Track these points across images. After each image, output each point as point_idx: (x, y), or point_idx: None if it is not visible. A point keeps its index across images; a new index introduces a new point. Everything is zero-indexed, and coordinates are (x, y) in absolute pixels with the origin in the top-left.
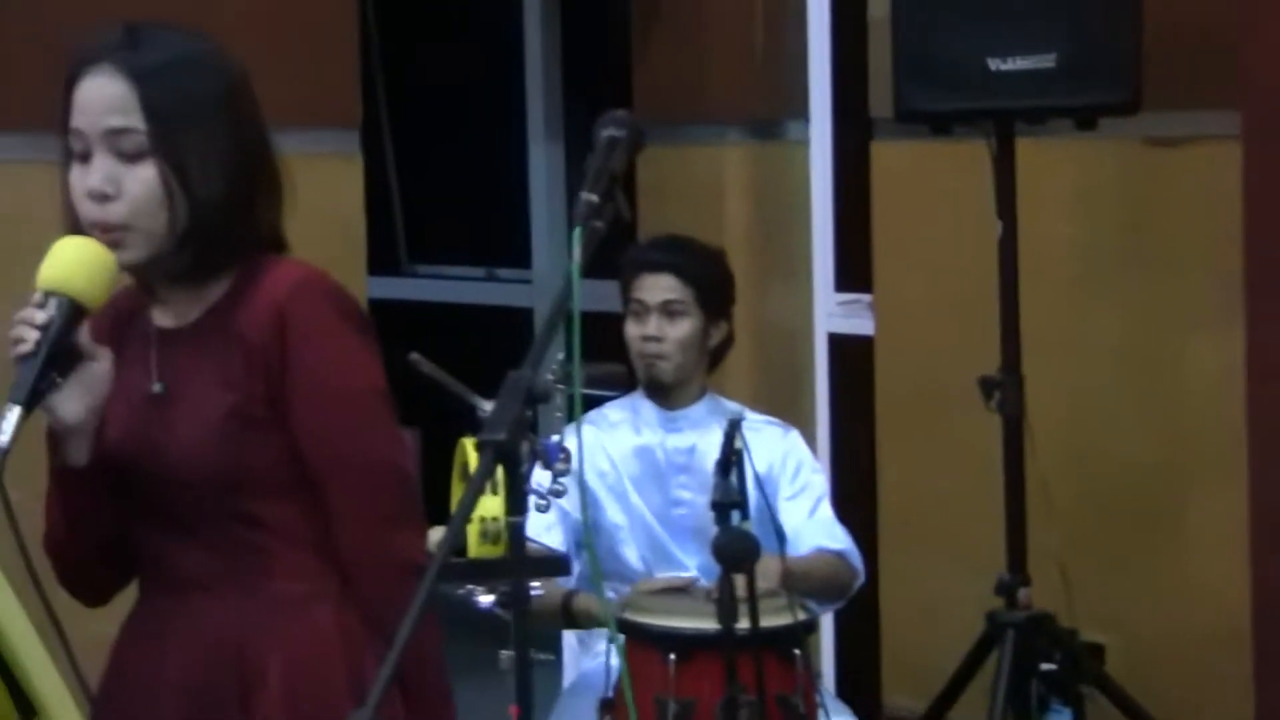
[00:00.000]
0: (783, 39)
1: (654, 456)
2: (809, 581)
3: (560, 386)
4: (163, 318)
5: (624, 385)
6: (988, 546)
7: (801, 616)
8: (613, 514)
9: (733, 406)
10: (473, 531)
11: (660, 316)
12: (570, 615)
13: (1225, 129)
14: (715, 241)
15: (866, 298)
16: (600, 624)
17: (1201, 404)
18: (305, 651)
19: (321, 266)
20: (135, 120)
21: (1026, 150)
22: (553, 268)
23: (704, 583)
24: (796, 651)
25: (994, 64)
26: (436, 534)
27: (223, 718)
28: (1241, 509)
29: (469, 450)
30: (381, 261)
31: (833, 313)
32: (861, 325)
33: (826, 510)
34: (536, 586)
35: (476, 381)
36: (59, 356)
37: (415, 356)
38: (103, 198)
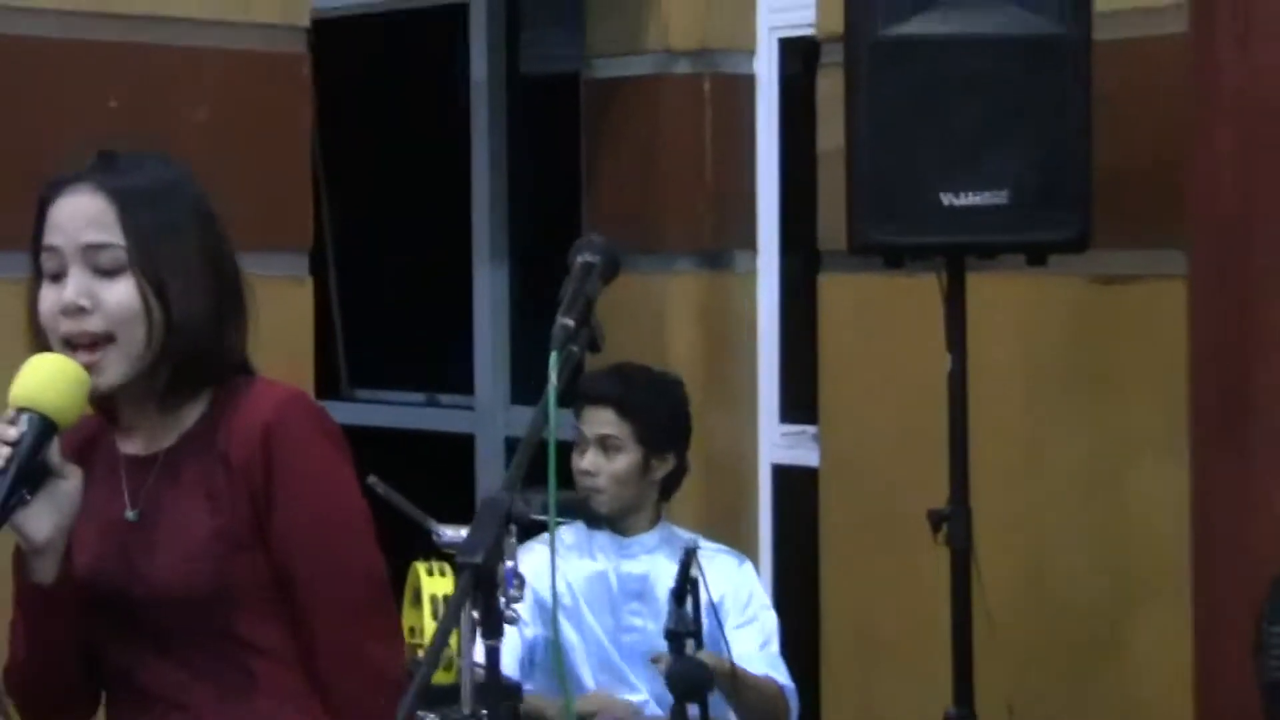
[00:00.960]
0: (732, 170)
1: (607, 581)
2: (749, 693)
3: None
4: (130, 445)
5: (580, 511)
6: (935, 679)
7: None
8: (569, 635)
9: (686, 535)
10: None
11: (597, 450)
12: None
13: (1171, 268)
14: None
15: (812, 429)
16: None
17: (1148, 534)
18: None
19: None
20: (114, 236)
21: (976, 284)
22: (495, 394)
23: (649, 712)
24: None
25: (947, 199)
26: None
27: None
28: (1188, 637)
29: (421, 574)
30: (322, 385)
31: (777, 444)
32: (806, 456)
33: (774, 648)
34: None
35: (417, 507)
36: (29, 474)
37: (373, 479)
38: (78, 311)
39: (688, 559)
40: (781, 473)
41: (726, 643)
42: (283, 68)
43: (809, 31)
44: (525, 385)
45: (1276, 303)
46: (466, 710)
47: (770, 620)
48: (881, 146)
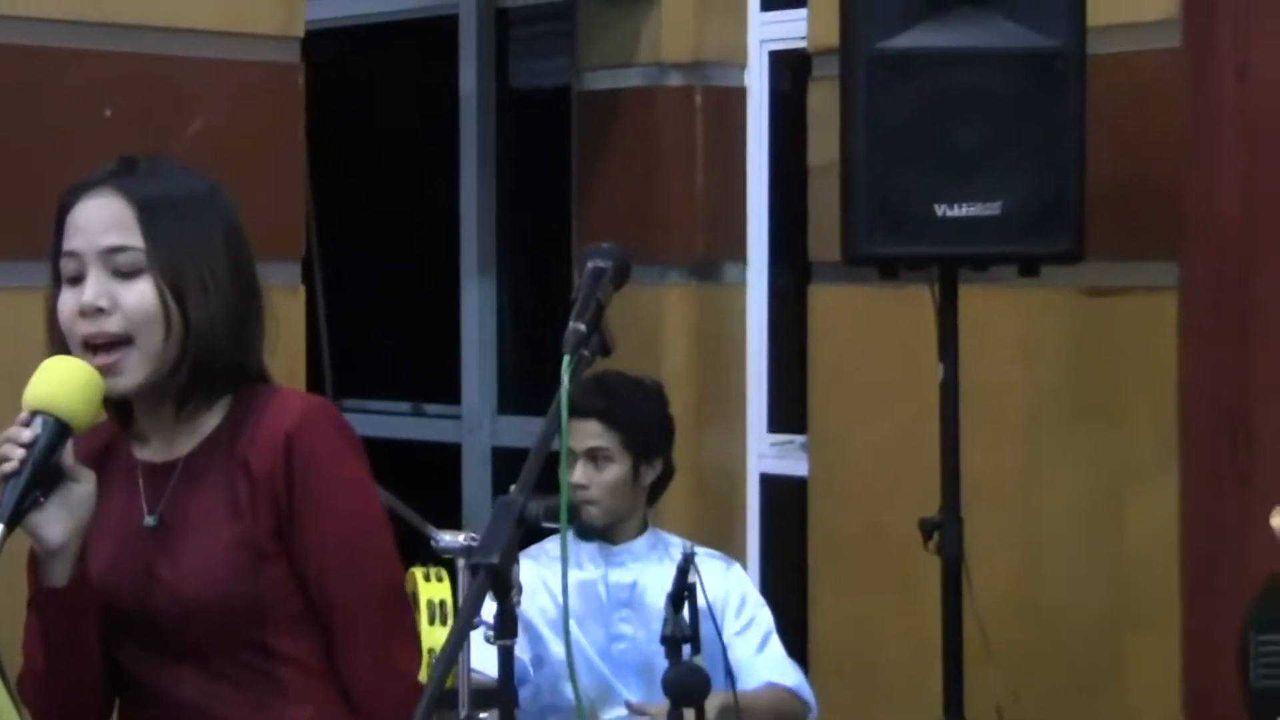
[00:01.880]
0: (722, 182)
1: (595, 591)
2: (758, 715)
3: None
4: (146, 452)
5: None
6: (924, 689)
7: None
8: (555, 649)
9: (674, 540)
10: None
11: (586, 463)
12: None
13: (1163, 280)
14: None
15: (801, 439)
16: None
17: (1138, 549)
18: None
19: None
20: (133, 238)
21: (968, 296)
22: (482, 404)
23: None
24: None
25: (941, 210)
26: None
27: None
28: (1176, 653)
29: (419, 580)
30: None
31: (765, 454)
32: (795, 466)
33: (776, 646)
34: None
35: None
36: (43, 476)
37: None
38: (97, 312)
39: (685, 564)
40: (770, 483)
41: (725, 647)
42: (277, 78)
43: (800, 45)
44: (512, 395)
45: (1275, 316)
46: (464, 713)
47: (766, 618)
48: (877, 159)
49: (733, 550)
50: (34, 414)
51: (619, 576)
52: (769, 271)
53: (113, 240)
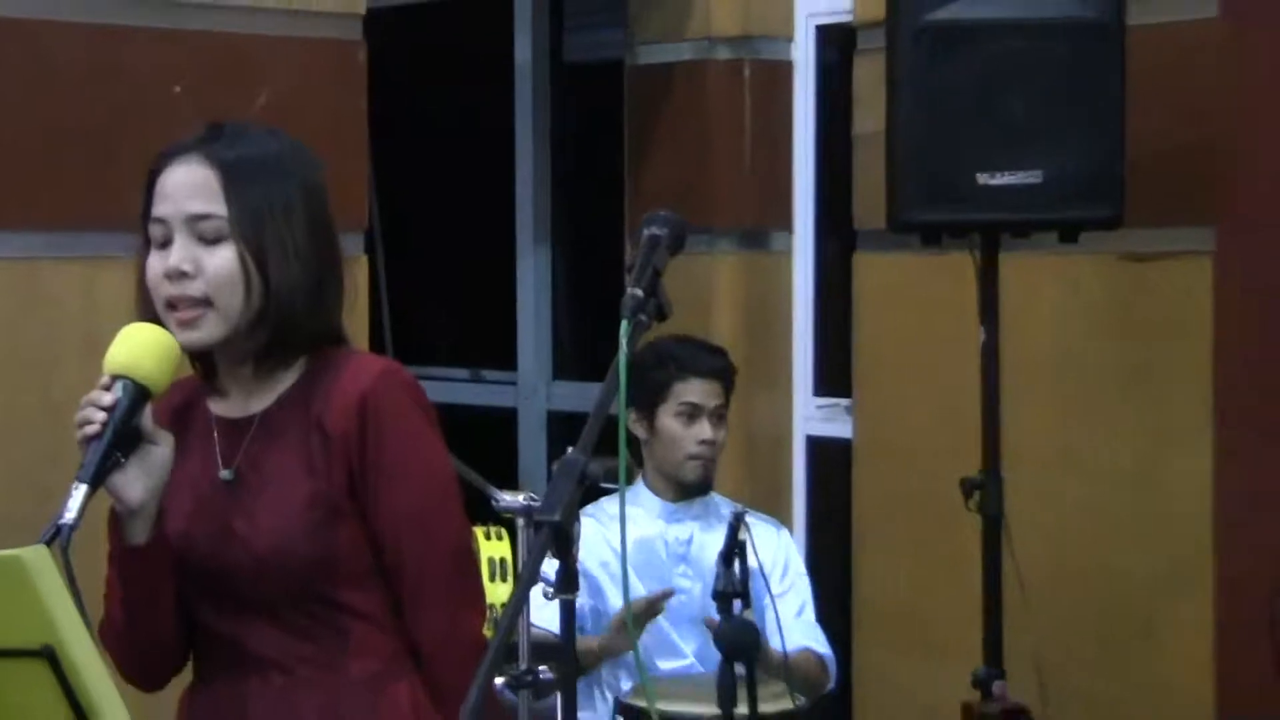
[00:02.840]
0: (769, 153)
1: (654, 547)
2: (795, 674)
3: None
4: (222, 408)
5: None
6: (964, 642)
7: (799, 703)
8: (615, 601)
9: (725, 502)
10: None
11: (712, 421)
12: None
13: (1201, 245)
14: None
15: (846, 402)
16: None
17: (1174, 512)
18: None
19: None
20: (217, 206)
21: (1009, 262)
22: (538, 370)
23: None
24: None
25: (983, 179)
26: None
27: None
28: (1210, 615)
29: (480, 538)
30: None
31: (811, 416)
32: (840, 429)
33: (811, 614)
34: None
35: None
36: (123, 439)
37: None
38: (181, 275)
39: (736, 523)
40: (816, 444)
41: (775, 605)
42: (340, 54)
43: (846, 19)
44: (567, 361)
45: None
46: (523, 666)
47: (806, 587)
48: (923, 129)
49: (779, 510)
50: (114, 379)
51: (678, 533)
52: (815, 239)
53: (197, 208)
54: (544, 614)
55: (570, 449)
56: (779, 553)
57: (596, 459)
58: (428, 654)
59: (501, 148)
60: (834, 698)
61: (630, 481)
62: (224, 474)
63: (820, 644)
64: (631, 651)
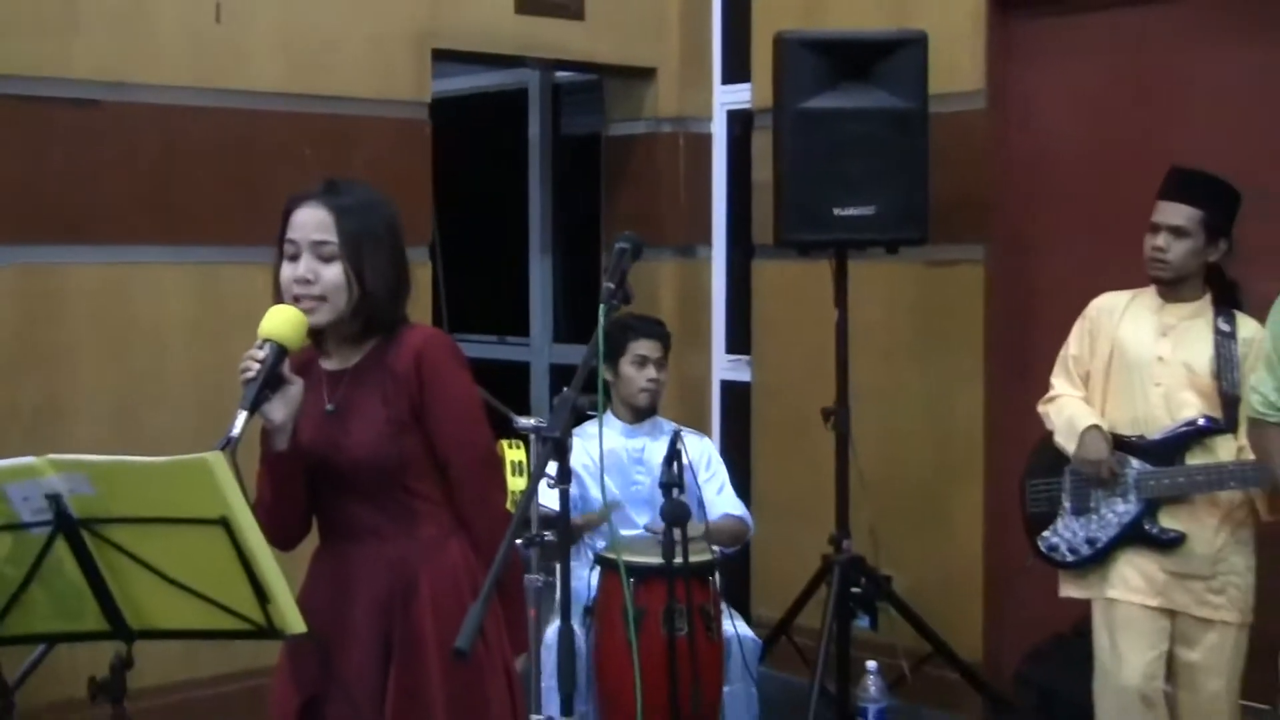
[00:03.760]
0: (697, 194)
1: (618, 454)
2: (720, 534)
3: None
4: (328, 364)
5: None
6: (824, 516)
7: (714, 555)
8: (593, 490)
9: (667, 424)
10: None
11: (656, 367)
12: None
13: (976, 256)
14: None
15: (746, 358)
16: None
17: (959, 429)
18: (443, 571)
19: None
20: (331, 236)
21: (853, 267)
22: (543, 336)
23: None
24: (711, 578)
25: (836, 212)
26: None
27: (392, 616)
28: (981, 494)
29: (504, 447)
30: None
31: (724, 367)
32: (743, 375)
33: (729, 490)
34: (548, 534)
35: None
36: (270, 380)
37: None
38: (305, 283)
39: (674, 438)
40: (727, 386)
41: (699, 489)
42: (413, 130)
43: (747, 106)
44: (562, 330)
45: (1044, 279)
46: (534, 531)
47: (723, 473)
48: (797, 179)
49: (703, 428)
50: (264, 341)
51: (633, 445)
52: (726, 251)
53: (318, 236)
54: (548, 498)
55: (565, 389)
56: (704, 453)
57: (583, 395)
58: (469, 523)
59: (520, 190)
60: (739, 554)
61: (604, 410)
62: (329, 407)
63: (738, 508)
64: (605, 525)
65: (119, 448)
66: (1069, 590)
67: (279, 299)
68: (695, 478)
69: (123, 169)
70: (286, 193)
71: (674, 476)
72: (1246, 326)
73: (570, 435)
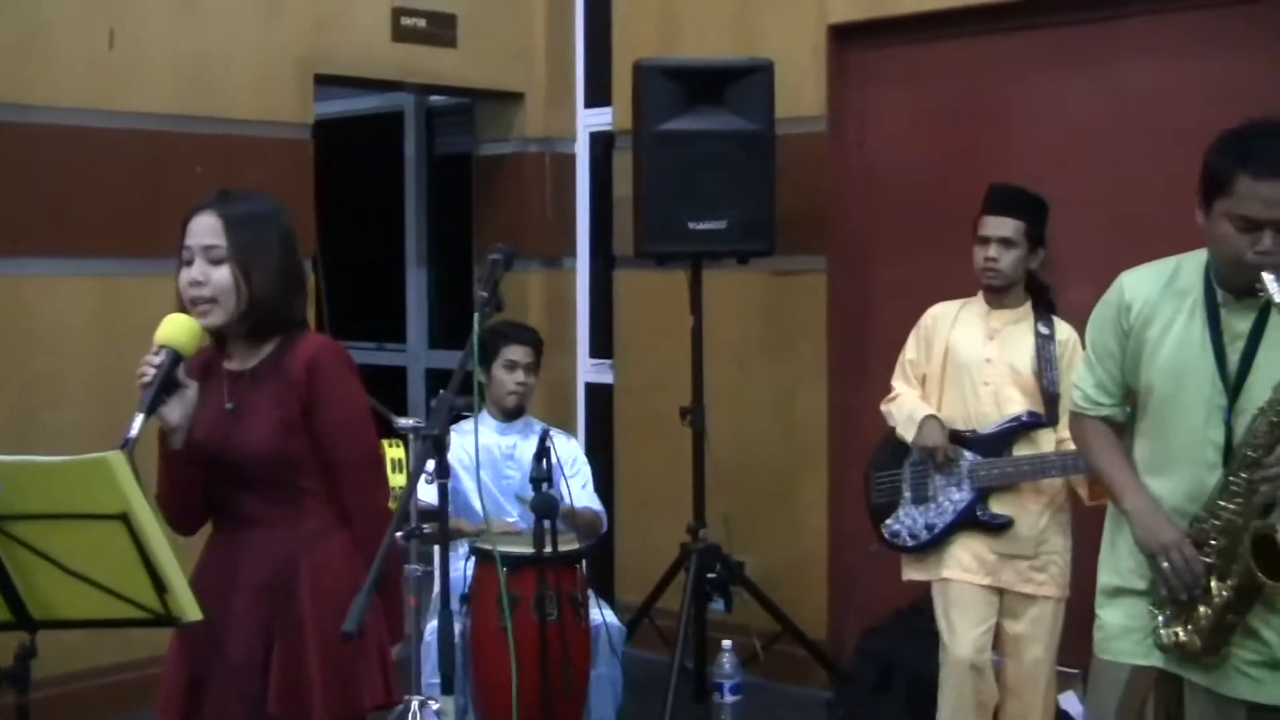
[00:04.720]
0: (562, 209)
1: (492, 451)
2: (579, 520)
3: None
4: (230, 364)
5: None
6: (681, 506)
7: (581, 545)
8: (468, 484)
9: (538, 423)
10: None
11: (525, 371)
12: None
13: (818, 266)
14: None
15: (609, 361)
16: (465, 536)
17: (804, 424)
18: (325, 561)
19: None
20: (220, 240)
21: (707, 276)
22: (420, 343)
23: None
24: (578, 566)
25: (691, 225)
26: None
27: (275, 602)
28: (825, 485)
29: (385, 446)
30: None
31: (588, 370)
32: (606, 378)
33: (590, 487)
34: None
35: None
36: (166, 385)
37: None
38: (197, 285)
39: (544, 436)
40: (591, 387)
41: (568, 484)
42: (298, 148)
43: (608, 128)
44: (437, 338)
45: (880, 287)
46: (413, 524)
47: (587, 469)
48: (654, 195)
49: (569, 427)
50: (160, 348)
51: (506, 442)
52: (590, 262)
53: (208, 241)
54: (427, 492)
55: (442, 391)
56: (570, 452)
57: (459, 396)
58: (352, 518)
59: (397, 205)
60: (603, 542)
61: (479, 410)
62: (228, 405)
63: (596, 504)
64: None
65: (21, 448)
66: (911, 573)
67: (180, 306)
68: (563, 473)
69: (22, 186)
70: (180, 208)
71: (543, 472)
72: (1063, 329)
73: (448, 433)
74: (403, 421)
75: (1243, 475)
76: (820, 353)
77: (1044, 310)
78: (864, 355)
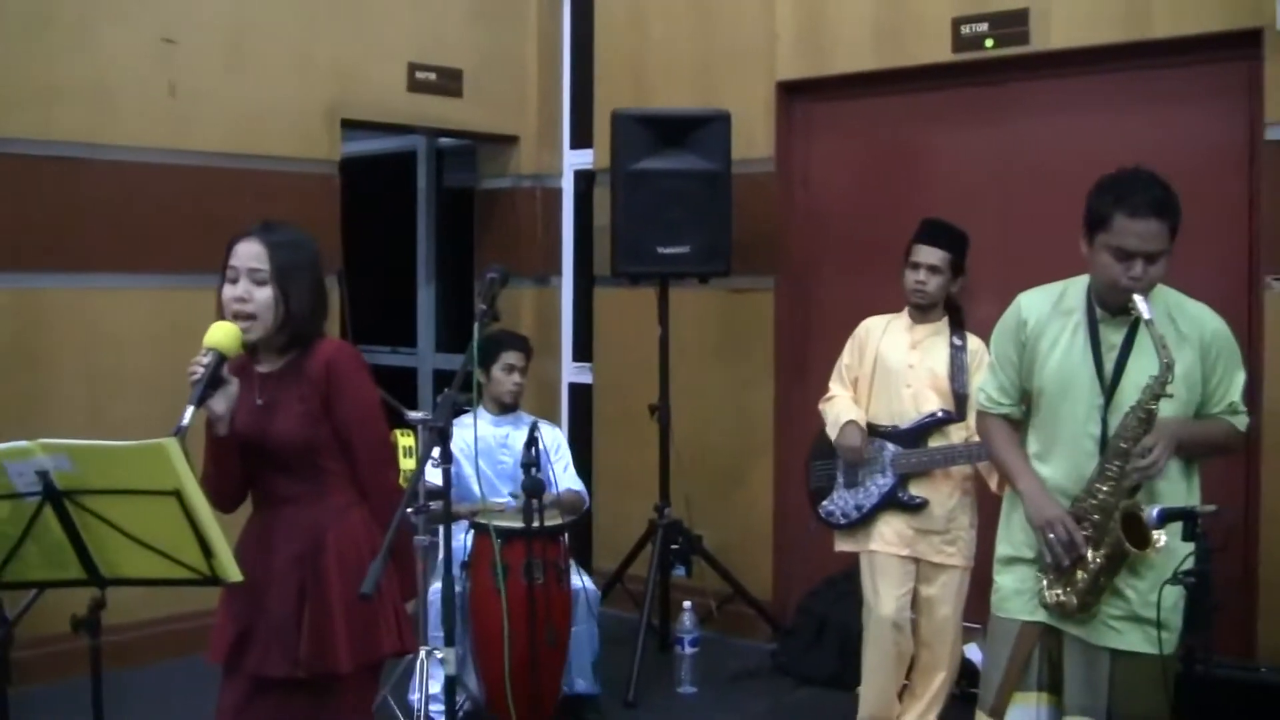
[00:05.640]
0: (550, 235)
1: (488, 441)
2: (564, 503)
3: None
4: (261, 367)
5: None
6: (649, 487)
7: (565, 520)
8: (467, 469)
9: (527, 416)
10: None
11: (519, 373)
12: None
13: (768, 285)
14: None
15: (589, 364)
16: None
17: (754, 419)
18: (347, 532)
19: None
20: (264, 265)
21: (674, 294)
22: (428, 347)
23: (510, 507)
24: (561, 538)
25: (660, 250)
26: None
27: (306, 567)
28: (772, 472)
29: (398, 436)
30: None
31: (571, 371)
32: (586, 378)
33: (572, 471)
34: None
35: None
36: (213, 381)
37: None
38: (242, 301)
39: (533, 428)
40: (573, 387)
41: (552, 468)
42: (326, 182)
43: (590, 167)
44: (443, 343)
45: (819, 303)
46: (422, 502)
47: (568, 455)
48: (628, 224)
49: (554, 420)
50: (207, 350)
51: (500, 433)
52: (573, 281)
53: (253, 264)
54: (433, 475)
55: (446, 389)
56: (555, 440)
57: (460, 393)
58: (368, 494)
59: (410, 231)
60: (583, 520)
61: (477, 405)
62: (259, 401)
63: (578, 484)
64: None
65: (90, 434)
66: (842, 546)
67: (221, 315)
68: (549, 459)
69: (93, 213)
70: (227, 233)
71: (532, 458)
72: (973, 341)
73: (451, 425)
74: (413, 414)
75: (1115, 463)
76: (768, 358)
77: (957, 325)
78: (805, 360)
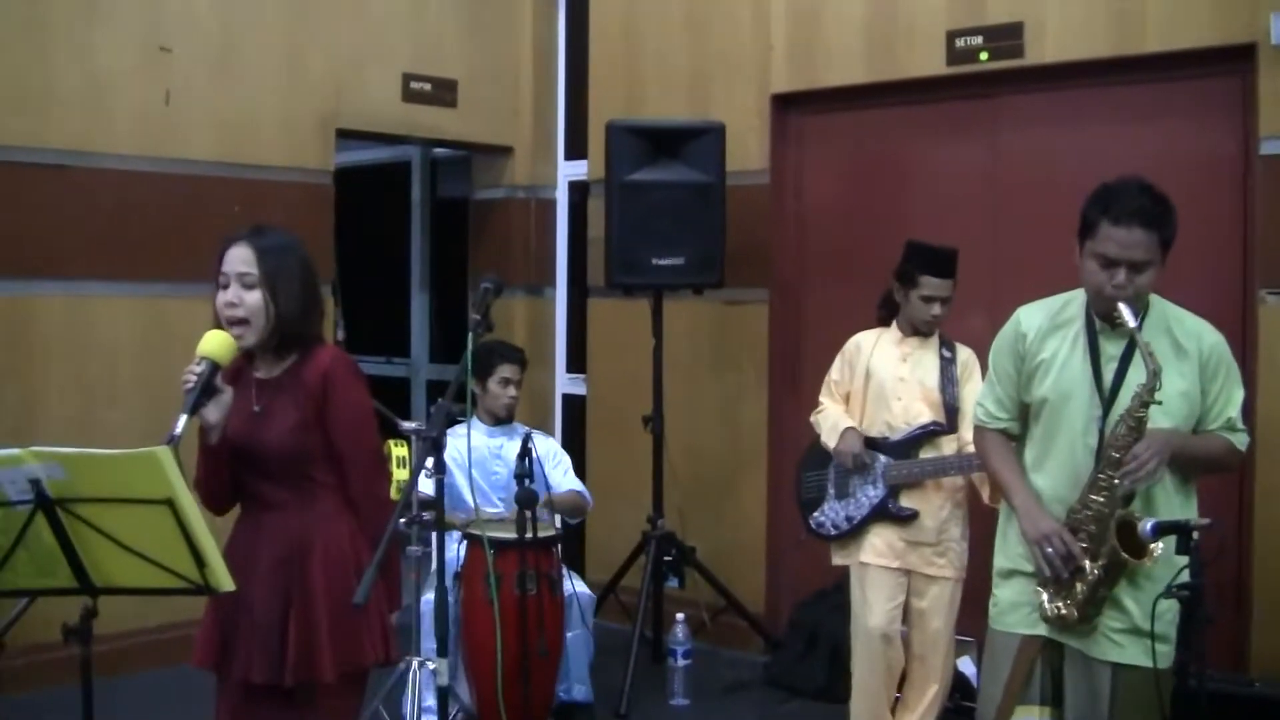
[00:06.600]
0: (544, 245)
1: (482, 451)
2: (563, 505)
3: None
4: (258, 373)
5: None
6: (643, 498)
7: (556, 531)
8: (460, 480)
9: (521, 427)
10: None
11: (515, 386)
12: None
13: (762, 297)
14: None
15: (582, 375)
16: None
17: (747, 429)
18: (333, 540)
19: None
20: (253, 268)
21: (667, 305)
22: (421, 357)
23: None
24: (554, 549)
25: (654, 260)
26: None
27: (291, 574)
28: (765, 481)
29: (390, 445)
30: None
31: (565, 383)
32: (580, 390)
33: (571, 473)
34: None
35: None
36: (206, 390)
37: None
38: (232, 306)
39: (526, 438)
40: (566, 398)
41: (547, 477)
42: (319, 191)
43: (584, 178)
44: (437, 353)
45: (811, 315)
46: (414, 512)
47: (566, 460)
48: (622, 235)
49: (548, 430)
50: (201, 358)
51: (493, 443)
52: (567, 291)
53: (242, 269)
54: (426, 485)
55: (440, 399)
56: (550, 449)
57: (454, 404)
58: (357, 504)
59: (404, 241)
60: (577, 529)
61: (471, 415)
62: (255, 408)
63: (578, 485)
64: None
65: (82, 442)
66: (837, 559)
67: (218, 322)
68: (543, 469)
69: (86, 221)
70: (219, 241)
71: (525, 469)
72: (962, 352)
73: (445, 435)
74: (406, 424)
75: (1109, 472)
76: (761, 370)
77: (946, 337)
78: (798, 372)
